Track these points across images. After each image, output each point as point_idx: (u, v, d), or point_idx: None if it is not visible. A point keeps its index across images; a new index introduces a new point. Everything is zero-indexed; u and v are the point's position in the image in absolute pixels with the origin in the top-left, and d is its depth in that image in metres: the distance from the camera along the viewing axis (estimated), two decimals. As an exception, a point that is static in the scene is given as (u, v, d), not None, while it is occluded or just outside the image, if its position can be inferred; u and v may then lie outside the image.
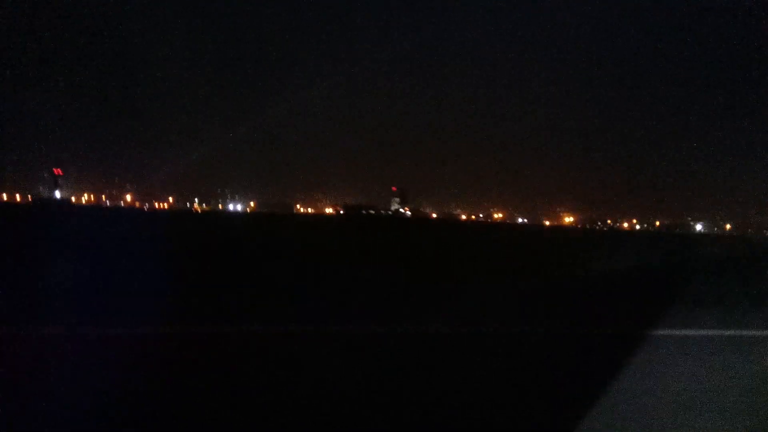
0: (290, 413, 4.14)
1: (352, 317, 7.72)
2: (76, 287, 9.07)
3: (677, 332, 7.43)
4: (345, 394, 4.56)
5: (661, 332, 7.20)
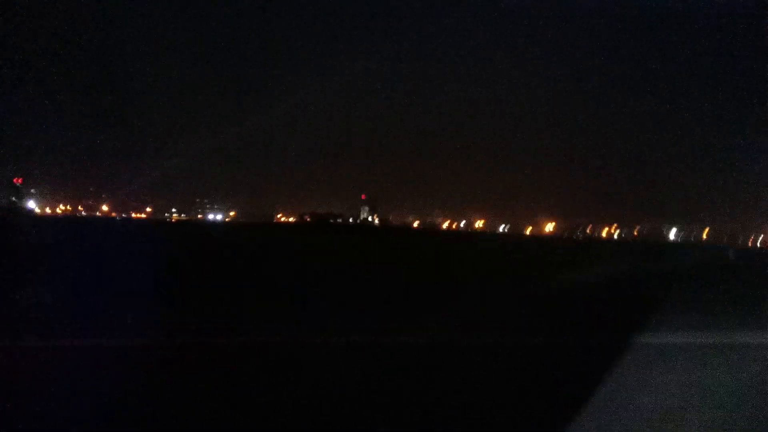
0: (289, 414, 4.13)
1: (344, 324, 7.73)
2: (52, 300, 8.92)
3: (657, 339, 7.54)
4: (340, 398, 4.57)
5: (642, 339, 7.28)
